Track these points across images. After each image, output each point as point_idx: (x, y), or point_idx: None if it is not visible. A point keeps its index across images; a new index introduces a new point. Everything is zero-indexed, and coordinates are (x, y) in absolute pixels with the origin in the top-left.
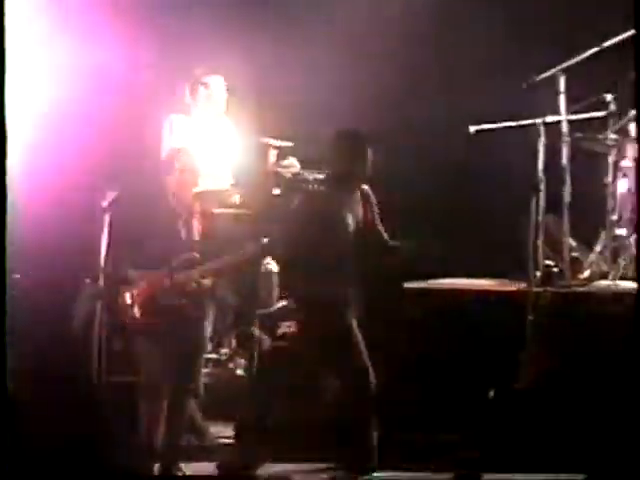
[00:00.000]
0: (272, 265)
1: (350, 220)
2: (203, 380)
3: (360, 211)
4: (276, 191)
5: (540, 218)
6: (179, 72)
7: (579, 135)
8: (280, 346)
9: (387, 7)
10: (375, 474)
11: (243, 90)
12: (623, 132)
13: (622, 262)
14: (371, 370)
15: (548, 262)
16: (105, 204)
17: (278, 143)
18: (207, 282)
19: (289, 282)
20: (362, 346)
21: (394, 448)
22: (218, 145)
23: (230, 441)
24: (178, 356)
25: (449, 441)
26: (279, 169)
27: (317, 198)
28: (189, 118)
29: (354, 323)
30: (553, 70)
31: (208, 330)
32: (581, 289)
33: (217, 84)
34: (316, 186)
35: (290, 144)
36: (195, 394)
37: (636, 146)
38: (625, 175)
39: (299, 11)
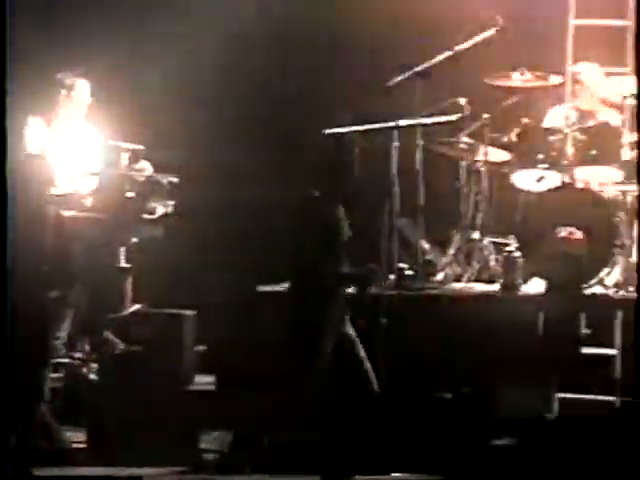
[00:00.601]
0: (125, 266)
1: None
2: (57, 385)
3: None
4: (129, 194)
5: (394, 221)
6: (41, 75)
7: (433, 139)
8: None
9: (244, 8)
10: None
11: (100, 93)
12: (476, 136)
13: (476, 265)
14: None
15: (402, 265)
16: None
17: (130, 146)
18: None
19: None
20: None
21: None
22: (77, 149)
23: (83, 445)
24: (26, 359)
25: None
26: (131, 172)
27: (319, 209)
28: (49, 122)
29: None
30: (408, 73)
31: (61, 334)
32: (434, 292)
33: (80, 88)
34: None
35: (142, 147)
36: (43, 398)
37: (487, 149)
38: (479, 178)
39: (158, 13)
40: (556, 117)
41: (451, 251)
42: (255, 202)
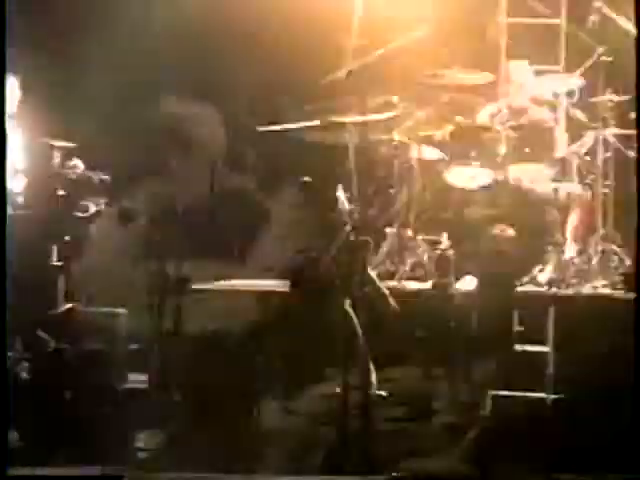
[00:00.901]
0: (57, 264)
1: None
2: None
3: None
4: (60, 192)
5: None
6: None
7: (366, 137)
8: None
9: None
10: None
11: (31, 90)
12: (409, 134)
13: (408, 262)
14: None
15: None
16: None
17: (62, 144)
18: None
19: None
20: None
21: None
22: (7, 146)
23: (17, 446)
24: None
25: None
26: (62, 170)
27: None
28: None
29: None
30: (341, 71)
31: None
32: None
33: (10, 84)
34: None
35: (74, 145)
36: None
37: (420, 147)
38: (412, 176)
39: (93, 10)
40: (489, 115)
41: (384, 249)
42: (188, 199)
